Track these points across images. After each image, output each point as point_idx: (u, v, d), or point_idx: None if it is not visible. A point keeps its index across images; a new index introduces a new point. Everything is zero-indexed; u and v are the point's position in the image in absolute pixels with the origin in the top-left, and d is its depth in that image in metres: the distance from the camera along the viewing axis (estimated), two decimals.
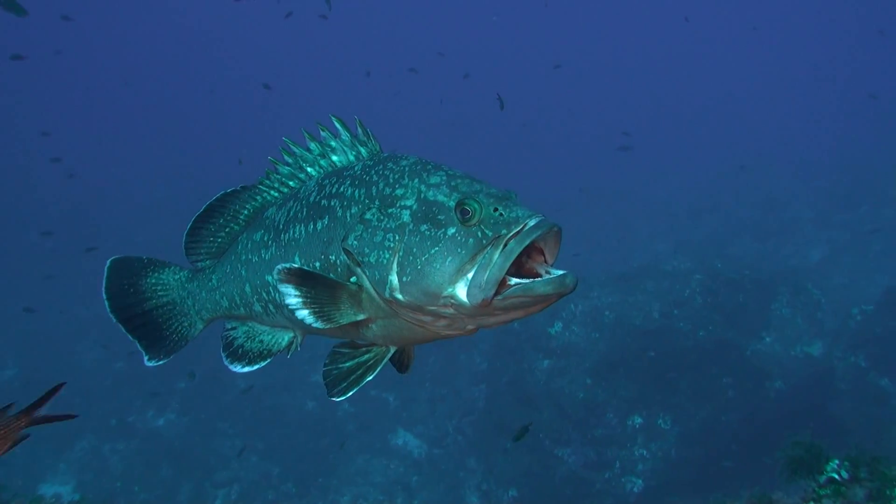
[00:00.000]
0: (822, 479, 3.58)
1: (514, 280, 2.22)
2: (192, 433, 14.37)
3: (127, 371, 16.35)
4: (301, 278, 2.50)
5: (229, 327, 3.30)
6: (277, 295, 2.89)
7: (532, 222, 2.27)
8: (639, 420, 11.65)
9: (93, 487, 13.22)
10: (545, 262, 2.33)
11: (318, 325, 2.53)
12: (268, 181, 3.16)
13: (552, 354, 12.71)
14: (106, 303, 3.38)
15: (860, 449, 3.59)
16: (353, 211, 2.63)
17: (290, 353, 3.12)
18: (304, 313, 2.50)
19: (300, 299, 2.50)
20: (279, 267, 2.49)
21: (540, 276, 2.27)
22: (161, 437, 14.43)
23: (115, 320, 3.39)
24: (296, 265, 2.52)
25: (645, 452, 11.45)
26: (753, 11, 62.66)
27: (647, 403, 11.70)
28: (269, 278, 2.94)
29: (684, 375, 11.73)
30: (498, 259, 2.22)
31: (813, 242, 21.04)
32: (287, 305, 2.52)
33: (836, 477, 3.52)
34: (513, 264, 2.25)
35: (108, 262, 3.43)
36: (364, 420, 14.50)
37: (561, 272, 2.23)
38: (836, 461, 3.56)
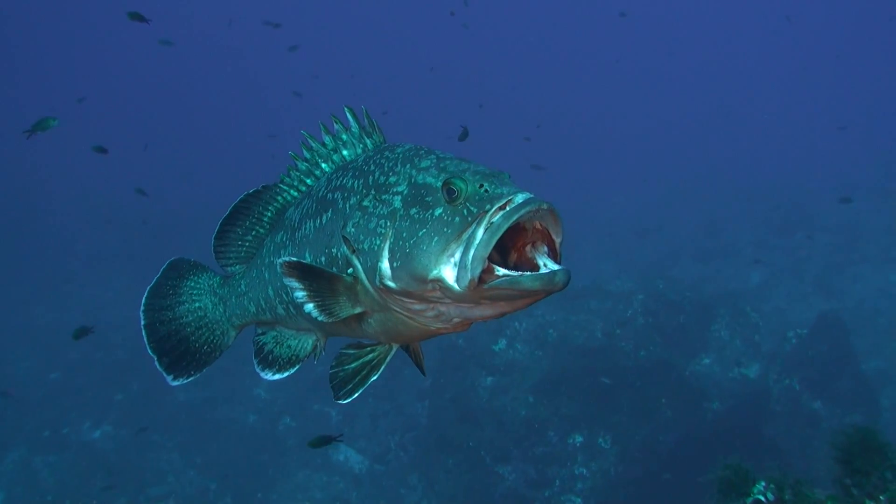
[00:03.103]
0: (749, 500, 3.67)
1: (502, 271, 2.11)
2: (129, 446, 14.08)
3: (63, 381, 15.98)
4: (301, 272, 2.48)
5: (259, 332, 3.26)
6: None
7: (519, 198, 2.17)
8: (579, 438, 11.76)
9: (22, 501, 12.86)
10: (552, 252, 2.22)
11: (322, 318, 2.52)
12: (288, 179, 3.15)
13: (495, 372, 12.76)
14: (143, 300, 3.33)
15: (784, 471, 3.69)
16: (352, 201, 2.62)
17: (316, 357, 3.06)
18: (310, 306, 2.49)
19: (304, 292, 2.49)
20: (279, 261, 2.47)
21: (538, 268, 2.16)
22: (96, 449, 14.10)
23: (143, 322, 3.30)
24: (294, 259, 2.49)
25: (585, 471, 11.55)
26: (696, 33, 64.14)
27: (588, 422, 11.81)
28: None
29: (625, 395, 11.88)
30: (483, 236, 2.12)
31: (752, 266, 21.53)
32: (295, 299, 2.51)
33: (762, 499, 3.62)
34: (515, 251, 2.22)
35: (167, 261, 3.42)
36: (305, 435, 14.33)
37: (554, 268, 2.13)
38: (763, 483, 3.65)
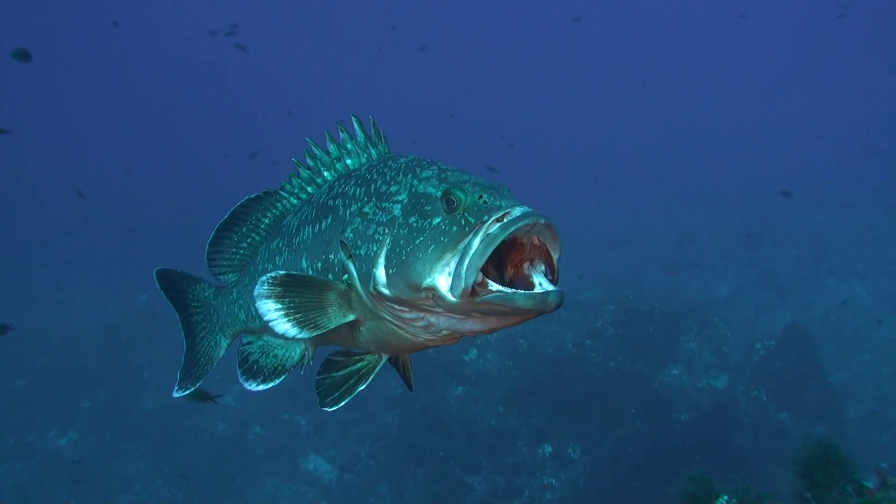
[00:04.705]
0: None
1: (495, 286, 2.11)
2: (95, 454, 13.91)
3: (28, 389, 15.76)
4: (286, 288, 2.45)
5: (245, 342, 3.21)
6: None
7: (517, 211, 2.18)
8: (549, 449, 11.80)
9: None
10: (549, 269, 2.23)
11: (304, 334, 2.47)
12: (289, 186, 3.15)
13: (466, 381, 12.77)
14: (179, 317, 3.50)
15: (747, 485, 3.74)
16: (353, 208, 2.62)
17: (303, 367, 3.01)
18: (285, 327, 2.44)
19: (281, 312, 2.44)
20: (262, 279, 2.43)
21: (533, 286, 2.17)
22: (62, 457, 13.91)
23: (184, 334, 3.46)
24: (282, 273, 2.46)
25: (554, 481, 11.58)
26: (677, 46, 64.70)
27: (557, 432, 11.86)
28: None
29: (594, 405, 11.93)
30: (479, 246, 2.12)
31: (721, 277, 21.69)
32: (266, 323, 2.44)
33: None
34: (511, 266, 2.23)
35: (154, 272, 3.46)
36: (275, 444, 14.28)
37: (549, 289, 2.14)
38: (725, 497, 3.70)
